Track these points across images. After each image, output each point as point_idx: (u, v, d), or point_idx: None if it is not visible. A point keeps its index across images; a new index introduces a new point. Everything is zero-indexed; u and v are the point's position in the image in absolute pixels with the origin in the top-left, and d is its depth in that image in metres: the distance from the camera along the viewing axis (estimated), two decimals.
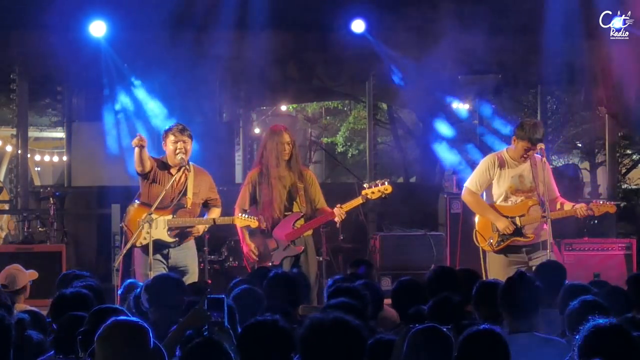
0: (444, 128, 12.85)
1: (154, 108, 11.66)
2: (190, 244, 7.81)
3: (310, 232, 8.05)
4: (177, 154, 7.57)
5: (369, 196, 7.86)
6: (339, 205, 7.85)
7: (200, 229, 7.78)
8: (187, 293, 5.50)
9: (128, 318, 4.00)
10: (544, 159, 7.76)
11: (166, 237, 7.60)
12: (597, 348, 3.72)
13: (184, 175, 7.61)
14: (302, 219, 7.95)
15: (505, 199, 7.76)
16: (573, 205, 7.68)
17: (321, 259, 9.62)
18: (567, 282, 5.83)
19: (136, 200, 7.76)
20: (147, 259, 7.38)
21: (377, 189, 7.84)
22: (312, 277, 7.91)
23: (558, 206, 7.75)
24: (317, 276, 8.18)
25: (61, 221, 11.04)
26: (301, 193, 7.93)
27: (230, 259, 10.01)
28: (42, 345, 4.90)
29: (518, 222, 7.64)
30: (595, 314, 4.16)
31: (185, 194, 7.63)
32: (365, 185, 7.93)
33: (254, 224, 7.67)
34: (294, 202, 7.94)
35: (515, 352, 4.02)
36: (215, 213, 7.79)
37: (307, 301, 7.22)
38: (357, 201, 7.88)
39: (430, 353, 3.95)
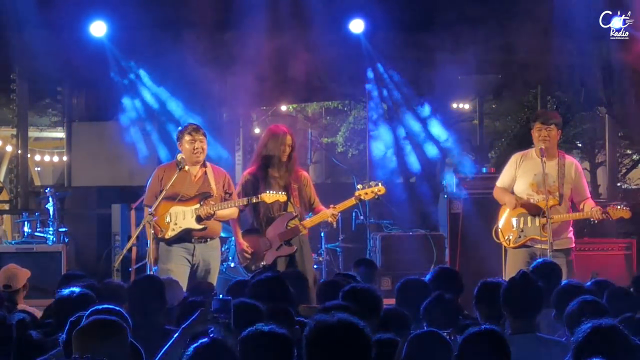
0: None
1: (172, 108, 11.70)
2: (216, 243, 7.86)
3: (305, 231, 8.05)
4: (196, 153, 7.62)
5: (362, 197, 7.90)
6: (332, 206, 7.86)
7: (219, 228, 7.80)
8: (166, 297, 5.49)
9: (106, 316, 4.05)
10: (544, 158, 7.73)
11: (195, 226, 7.63)
12: (593, 348, 3.72)
13: (201, 170, 7.65)
14: (296, 219, 7.96)
15: (528, 197, 7.78)
16: (591, 208, 7.69)
17: (321, 259, 9.63)
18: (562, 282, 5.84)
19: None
20: (170, 252, 7.47)
21: (370, 190, 7.88)
22: (309, 276, 7.91)
23: (581, 206, 7.79)
24: (314, 275, 8.18)
25: (61, 221, 11.04)
26: (295, 194, 7.94)
27: (230, 259, 10.01)
28: (42, 345, 4.90)
29: (537, 221, 7.66)
30: (594, 314, 4.16)
31: (208, 185, 7.67)
32: (358, 187, 7.95)
33: (282, 198, 7.69)
34: (288, 202, 7.94)
35: (518, 353, 4.01)
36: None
37: (307, 300, 7.23)
38: (350, 202, 7.91)
39: (429, 358, 3.95)
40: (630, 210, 7.80)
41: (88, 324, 3.97)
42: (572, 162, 7.90)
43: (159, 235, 7.55)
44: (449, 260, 10.31)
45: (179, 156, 7.63)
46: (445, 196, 10.83)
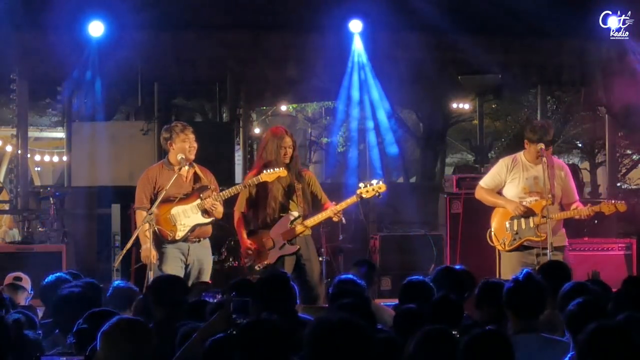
0: None
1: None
2: (207, 242, 7.87)
3: (309, 232, 8.04)
4: (191, 151, 7.66)
5: (363, 195, 7.89)
6: (334, 203, 7.87)
7: (210, 227, 7.83)
8: (188, 292, 5.51)
9: (131, 317, 4.04)
10: (544, 158, 7.76)
11: (202, 220, 7.66)
12: (599, 349, 3.72)
13: (190, 171, 7.67)
14: (300, 219, 7.95)
15: (520, 200, 7.80)
16: (577, 207, 7.72)
17: (321, 259, 9.63)
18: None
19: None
20: (165, 254, 7.49)
21: (371, 188, 7.88)
22: (316, 276, 7.91)
23: (572, 208, 7.82)
24: (321, 276, 8.18)
25: (61, 221, 11.04)
26: (299, 193, 7.93)
27: (230, 259, 10.01)
28: (38, 344, 4.90)
29: (531, 222, 7.69)
30: (592, 315, 4.16)
31: (200, 180, 7.71)
32: (360, 185, 7.95)
33: (283, 173, 7.68)
34: (291, 201, 7.94)
35: (520, 353, 4.00)
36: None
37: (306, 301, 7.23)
38: (352, 200, 7.91)
39: (438, 355, 3.95)
40: (625, 204, 7.82)
41: (114, 324, 3.98)
42: (561, 165, 7.95)
43: (169, 238, 7.56)
44: (448, 260, 10.31)
45: (179, 156, 7.62)
46: (445, 196, 10.84)
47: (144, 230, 7.50)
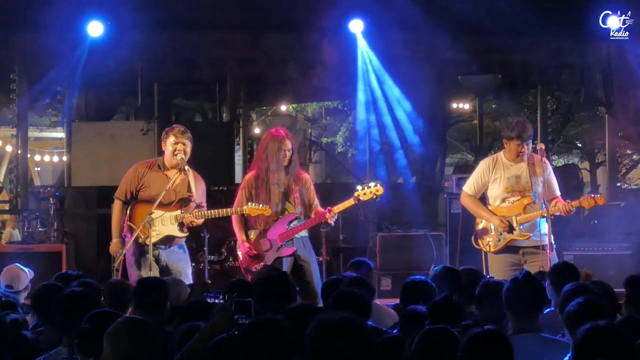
0: None
1: None
2: (180, 246, 7.80)
3: (306, 233, 8.04)
4: (177, 154, 7.58)
5: (361, 197, 7.88)
6: (328, 208, 7.84)
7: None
8: (170, 295, 5.48)
9: (137, 316, 4.03)
10: (544, 158, 7.79)
11: (177, 233, 7.62)
12: (594, 349, 3.72)
13: (179, 177, 7.59)
14: (297, 220, 7.95)
15: (502, 200, 7.80)
16: (556, 204, 7.67)
17: (321, 259, 9.63)
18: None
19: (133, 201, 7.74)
20: (144, 259, 7.40)
21: (369, 190, 7.86)
22: (315, 277, 7.90)
23: (552, 204, 7.78)
24: (319, 276, 8.17)
25: (61, 221, 11.03)
26: (296, 195, 7.92)
27: (230, 259, 10.01)
28: (36, 345, 4.90)
29: (514, 221, 7.68)
30: (592, 315, 4.16)
31: (189, 190, 7.65)
32: (358, 187, 7.93)
33: (267, 212, 7.68)
34: (288, 203, 7.93)
35: (519, 353, 4.01)
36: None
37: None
38: (349, 202, 7.89)
39: (440, 354, 3.96)
40: (604, 198, 7.81)
41: (120, 324, 3.97)
42: (541, 161, 7.86)
43: (140, 241, 7.48)
44: (448, 260, 10.31)
45: (179, 157, 7.61)
46: (445, 196, 10.83)
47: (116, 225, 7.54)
